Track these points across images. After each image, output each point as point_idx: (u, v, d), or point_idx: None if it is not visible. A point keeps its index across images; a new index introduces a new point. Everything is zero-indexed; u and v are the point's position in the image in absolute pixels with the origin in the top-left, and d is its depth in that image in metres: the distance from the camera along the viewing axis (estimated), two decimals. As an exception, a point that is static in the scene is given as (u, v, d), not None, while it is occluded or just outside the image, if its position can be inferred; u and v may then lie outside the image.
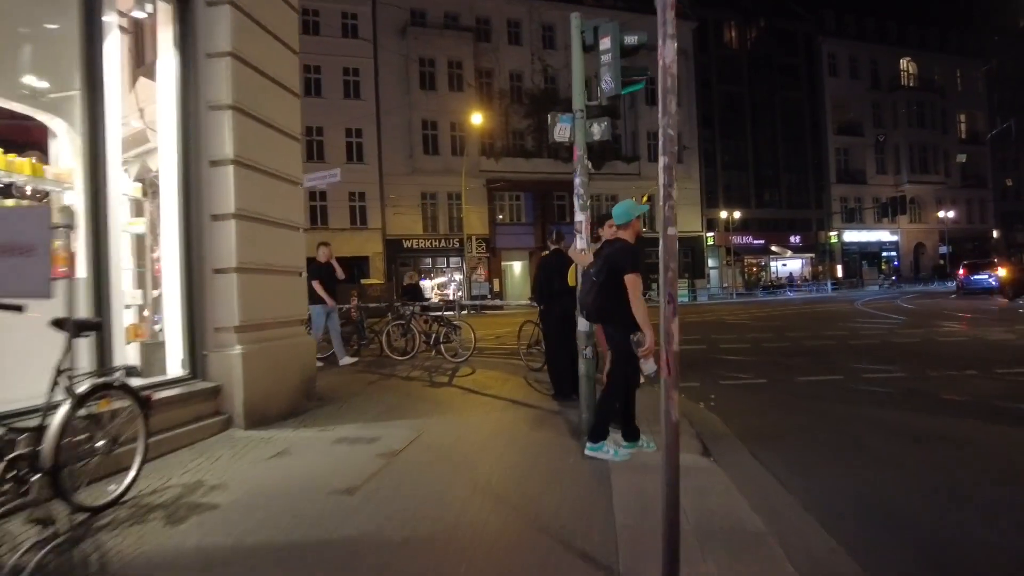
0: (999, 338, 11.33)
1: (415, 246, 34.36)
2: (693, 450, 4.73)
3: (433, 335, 10.13)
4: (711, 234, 41.50)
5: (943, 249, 46.70)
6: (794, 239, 44.39)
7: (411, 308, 10.49)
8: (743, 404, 6.64)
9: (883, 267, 47.28)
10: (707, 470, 4.27)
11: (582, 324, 5.20)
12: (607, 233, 4.79)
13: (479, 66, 35.84)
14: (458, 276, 34.51)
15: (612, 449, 4.40)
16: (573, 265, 5.77)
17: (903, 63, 48.41)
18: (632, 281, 4.20)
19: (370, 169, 33.59)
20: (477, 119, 30.83)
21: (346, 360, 9.52)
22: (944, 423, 5.49)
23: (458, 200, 33.64)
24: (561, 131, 5.26)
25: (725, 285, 41.06)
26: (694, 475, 4.12)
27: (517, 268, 36.57)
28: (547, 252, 6.96)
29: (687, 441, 4.97)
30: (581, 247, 5.24)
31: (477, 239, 34.44)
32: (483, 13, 36.18)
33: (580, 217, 5.27)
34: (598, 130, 5.25)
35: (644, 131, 39.67)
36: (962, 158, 49.44)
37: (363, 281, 27.12)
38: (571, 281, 5.93)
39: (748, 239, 42.83)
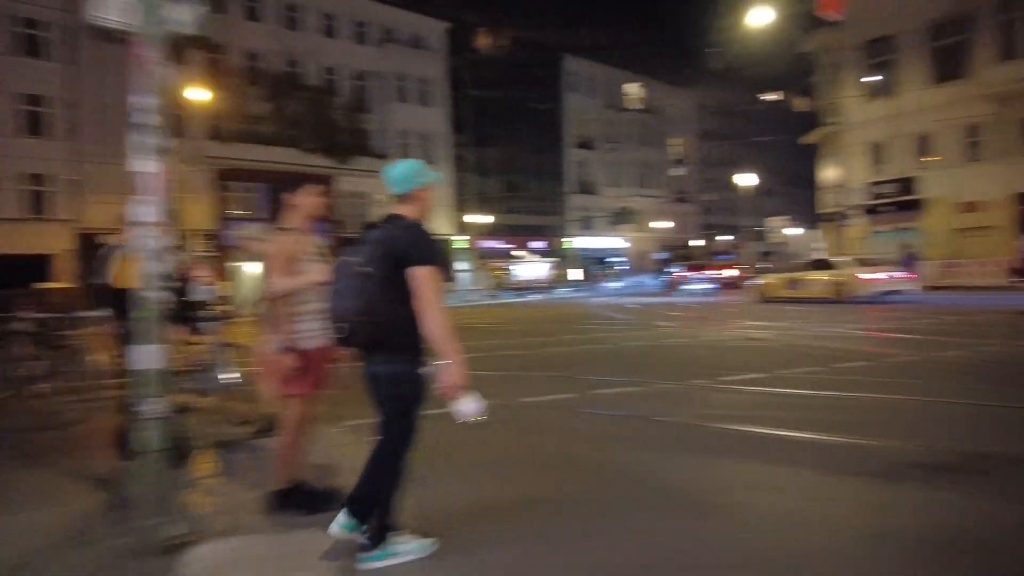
0: (716, 339, 11.28)
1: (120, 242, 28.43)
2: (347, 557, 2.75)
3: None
4: (462, 238, 41.02)
5: (661, 255, 51.86)
6: (538, 244, 45.90)
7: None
8: (450, 448, 4.84)
9: (612, 271, 51.10)
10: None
11: (143, 351, 2.92)
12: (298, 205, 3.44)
13: (207, 39, 31.05)
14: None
15: (403, 544, 2.87)
16: (119, 254, 3.47)
17: (630, 87, 52.86)
18: (427, 277, 2.70)
19: (58, 146, 27.07)
20: (201, 96, 26.31)
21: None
22: (700, 471, 4.17)
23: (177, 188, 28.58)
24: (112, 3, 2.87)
25: (475, 288, 40.82)
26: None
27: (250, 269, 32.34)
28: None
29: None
30: (150, 219, 2.95)
31: (203, 235, 29.60)
32: (214, -20, 31.40)
33: (148, 167, 2.96)
34: (187, 16, 2.98)
35: (395, 128, 37.84)
36: (679, 171, 55.52)
37: (37, 286, 21.11)
38: (119, 280, 3.60)
39: (496, 243, 43.22)
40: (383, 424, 2.88)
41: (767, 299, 20.31)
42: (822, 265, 19.53)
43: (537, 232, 46.34)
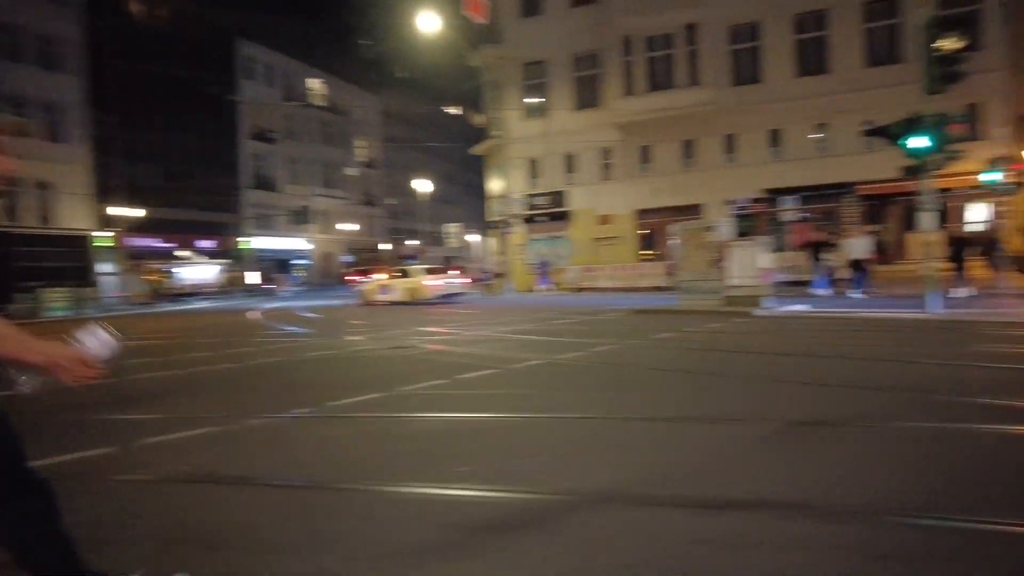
0: (361, 349, 10.27)
1: None
2: None
3: None
4: (107, 234, 34.27)
5: (346, 258, 50.43)
6: (207, 243, 40.78)
7: None
8: None
9: (293, 274, 48.25)
10: None
11: None
12: None
13: None
14: None
15: None
16: None
17: (313, 82, 50.33)
18: None
19: None
20: None
21: None
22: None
23: None
24: None
25: (125, 294, 34.44)
26: None
27: None
28: None
29: None
30: None
31: None
32: None
33: None
34: None
35: (4, 92, 29.92)
36: (365, 174, 54.59)
37: None
38: None
39: (154, 242, 37.17)
40: None
41: (367, 303, 22.18)
42: (403, 273, 22.15)
43: (206, 230, 41.14)
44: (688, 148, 26.19)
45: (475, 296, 22.92)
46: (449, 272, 23.80)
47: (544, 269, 25.62)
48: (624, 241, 27.28)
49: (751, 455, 4.11)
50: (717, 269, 14.14)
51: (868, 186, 23.05)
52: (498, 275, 27.80)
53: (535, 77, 28.66)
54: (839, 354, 8.06)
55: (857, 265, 14.95)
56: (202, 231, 40.60)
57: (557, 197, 28.18)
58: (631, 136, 26.65)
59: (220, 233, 41.93)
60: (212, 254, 41.08)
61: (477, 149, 31.25)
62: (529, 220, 28.70)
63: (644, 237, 27.21)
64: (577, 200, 27.84)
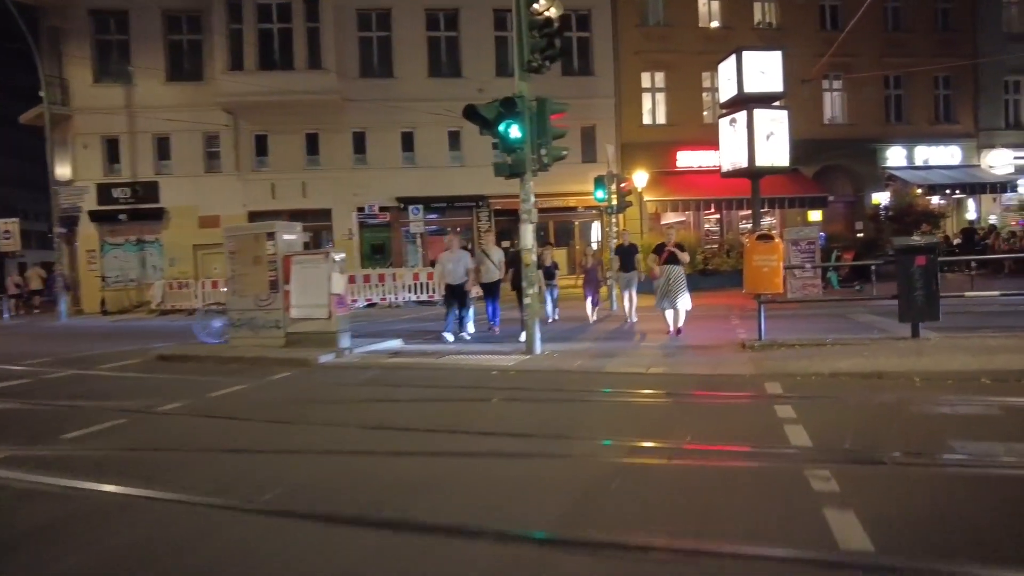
0: None
1: None
2: None
3: None
4: None
5: None
6: None
7: None
8: None
9: None
10: None
11: None
12: None
13: None
14: None
15: None
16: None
17: None
18: None
19: None
20: None
21: None
22: None
23: None
24: None
25: None
26: None
27: None
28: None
29: None
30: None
31: None
32: None
33: None
34: None
35: None
36: None
37: None
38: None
39: None
40: None
41: None
42: None
43: None
44: (312, 143, 21.51)
45: None
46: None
47: (61, 286, 18.49)
48: (238, 250, 21.34)
49: None
50: (281, 294, 9.59)
51: (501, 200, 21.22)
52: (34, 292, 19.57)
53: (113, 32, 21.04)
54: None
55: (456, 292, 11.04)
56: None
57: (145, 189, 20.95)
58: (243, 121, 20.92)
59: None
60: None
61: (26, 117, 22.00)
62: (108, 218, 20.91)
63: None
64: (173, 195, 21.01)
